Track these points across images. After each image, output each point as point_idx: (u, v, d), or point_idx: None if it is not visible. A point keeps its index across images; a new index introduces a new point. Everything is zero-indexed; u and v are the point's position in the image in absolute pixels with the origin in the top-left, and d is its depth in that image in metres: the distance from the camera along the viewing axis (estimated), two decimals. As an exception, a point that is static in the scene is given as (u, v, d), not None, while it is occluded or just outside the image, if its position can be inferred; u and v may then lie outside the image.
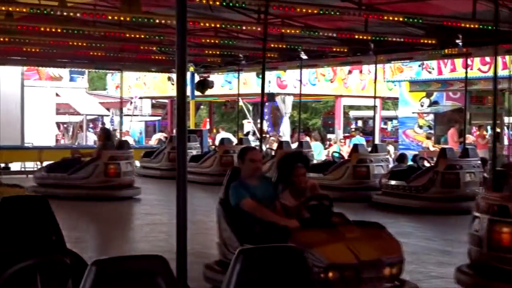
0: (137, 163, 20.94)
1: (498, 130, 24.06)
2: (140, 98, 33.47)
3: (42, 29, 12.99)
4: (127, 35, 14.30)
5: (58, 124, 32.39)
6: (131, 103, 33.68)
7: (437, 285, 6.78)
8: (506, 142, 26.65)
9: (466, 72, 14.14)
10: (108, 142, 14.27)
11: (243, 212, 6.15)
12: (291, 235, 5.60)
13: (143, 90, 32.10)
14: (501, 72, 20.87)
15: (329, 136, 28.43)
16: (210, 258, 8.23)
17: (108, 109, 33.66)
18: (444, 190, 12.31)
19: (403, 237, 9.73)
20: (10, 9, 11.01)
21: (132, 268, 2.94)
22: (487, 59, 20.55)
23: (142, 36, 14.24)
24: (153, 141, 26.65)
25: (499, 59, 20.28)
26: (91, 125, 33.60)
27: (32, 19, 12.50)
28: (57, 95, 28.66)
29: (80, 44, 15.45)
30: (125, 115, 34.90)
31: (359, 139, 22.09)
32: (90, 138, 29.22)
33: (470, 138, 21.49)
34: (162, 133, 27.34)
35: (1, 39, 14.72)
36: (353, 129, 31.20)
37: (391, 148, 21.80)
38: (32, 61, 19.75)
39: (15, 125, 21.04)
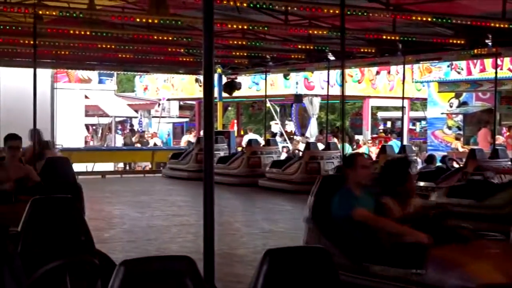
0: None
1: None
2: (168, 100, 33.62)
3: (71, 31, 13.12)
4: (155, 37, 14.38)
5: (87, 126, 32.66)
6: (159, 104, 33.86)
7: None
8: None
9: (496, 72, 14.02)
10: None
11: (353, 225, 5.63)
12: (428, 252, 5.07)
13: (171, 91, 32.24)
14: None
15: (357, 137, 28.32)
16: (236, 258, 8.27)
17: (136, 111, 33.88)
18: (474, 192, 12.18)
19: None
20: (40, 12, 11.12)
21: (160, 268, 2.96)
22: (517, 59, 20.35)
23: (170, 38, 14.31)
24: (182, 143, 26.76)
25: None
26: (119, 127, 33.82)
27: (61, 22, 12.62)
28: (86, 97, 28.92)
29: (108, 46, 15.57)
30: (153, 117, 35.17)
31: (396, 143, 21.77)
32: (120, 140, 29.43)
33: (500, 139, 21.27)
34: (190, 135, 27.43)
35: (31, 42, 14.88)
36: (381, 130, 31.08)
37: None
38: (61, 63, 19.93)
39: (46, 127, 21.25)
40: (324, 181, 6.25)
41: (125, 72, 28.85)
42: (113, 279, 2.87)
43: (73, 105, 26.90)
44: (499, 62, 15.37)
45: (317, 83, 26.63)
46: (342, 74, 6.99)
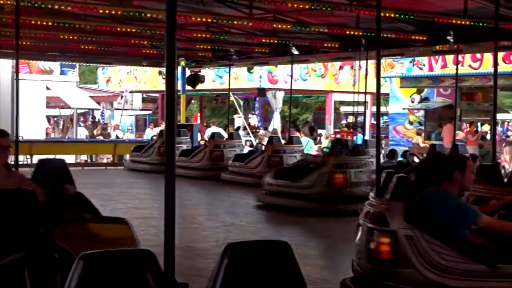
0: (127, 157, 20.97)
1: (487, 126, 24.21)
2: (131, 92, 33.42)
3: (33, 22, 12.92)
4: (118, 29, 14.25)
5: (48, 117, 32.32)
6: (122, 97, 33.63)
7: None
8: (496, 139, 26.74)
9: (457, 69, 14.19)
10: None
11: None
12: None
13: (134, 84, 32.05)
14: (491, 69, 20.97)
15: (320, 131, 28.46)
16: (198, 252, 8.25)
17: (98, 103, 33.61)
18: (434, 186, 12.32)
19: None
20: (1, 2, 10.96)
21: (119, 262, 2.94)
22: (478, 55, 20.63)
23: (133, 30, 14.20)
24: (153, 133, 26.52)
25: (489, 55, 20.38)
26: (81, 119, 33.52)
27: (23, 12, 12.42)
28: (47, 88, 28.59)
29: (71, 37, 15.38)
30: (115, 109, 34.93)
31: (358, 137, 21.81)
32: (81, 132, 29.17)
33: (460, 135, 21.56)
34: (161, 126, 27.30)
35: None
36: (343, 125, 31.25)
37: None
38: (22, 54, 19.65)
39: (7, 118, 20.98)
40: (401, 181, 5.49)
41: (88, 64, 28.60)
42: (72, 273, 2.85)
43: (34, 97, 26.60)
44: (460, 58, 15.55)
45: (281, 77, 26.70)
46: (378, 63, 6.23)
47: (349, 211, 10.51)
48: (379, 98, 6.32)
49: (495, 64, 7.71)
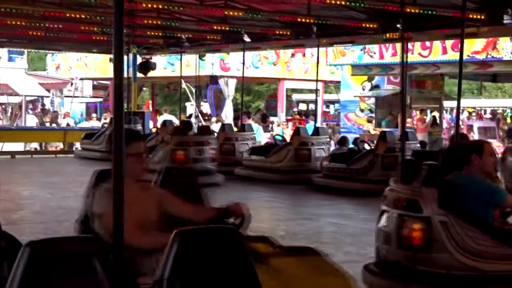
0: (78, 145, 20.74)
1: (437, 114, 24.57)
2: (81, 79, 32.99)
3: (-22, 7, 12.67)
4: (67, 15, 14.04)
5: (-4, 105, 31.78)
6: (72, 84, 33.18)
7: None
8: (445, 125, 27.23)
9: (406, 57, 14.28)
10: None
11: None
12: None
13: (84, 71, 31.66)
14: (441, 57, 21.29)
15: (272, 118, 28.52)
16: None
17: (48, 90, 33.10)
18: (384, 173, 12.43)
19: (343, 219, 9.89)
20: None
21: (67, 249, 2.92)
22: (427, 43, 20.87)
23: (83, 16, 14.01)
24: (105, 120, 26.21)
25: (438, 43, 20.66)
26: (30, 106, 32.99)
27: (-32, -3, 12.18)
28: (-5, 75, 28.08)
29: (19, 23, 15.11)
30: (65, 96, 34.45)
31: (310, 125, 21.84)
32: (30, 120, 28.70)
33: (409, 122, 21.82)
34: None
35: None
36: (295, 112, 31.37)
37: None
38: (-31, 40, 19.29)
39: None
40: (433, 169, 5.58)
41: (37, 50, 28.13)
42: (18, 260, 2.81)
43: (-19, 83, 26.11)
44: (409, 46, 15.70)
45: (233, 65, 26.65)
46: (461, 45, 6.50)
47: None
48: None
49: (461, 53, 7.77)
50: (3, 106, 33.45)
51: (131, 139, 4.02)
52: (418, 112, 23.81)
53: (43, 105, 34.06)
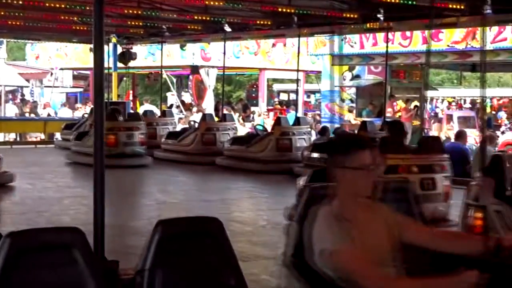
0: (58, 136, 20.62)
1: (417, 104, 24.68)
2: (61, 69, 32.79)
3: (-44, -4, 12.54)
4: (47, 5, 13.93)
5: (-26, 95, 31.47)
6: (52, 74, 32.96)
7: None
8: (425, 115, 27.35)
9: (387, 47, 14.36)
10: None
11: None
12: None
13: (64, 61, 31.45)
14: (421, 47, 21.36)
15: (253, 108, 28.52)
16: (130, 230, 8.22)
17: (28, 80, 32.86)
18: (364, 162, 12.51)
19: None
20: None
21: (48, 240, 2.91)
22: (408, 33, 20.94)
23: (62, 6, 13.91)
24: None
25: (419, 33, 20.74)
26: (10, 97, 32.72)
27: None
28: (-27, 65, 27.82)
29: (-3, 12, 14.99)
30: (45, 87, 34.23)
31: (291, 115, 21.86)
32: (10, 110, 28.46)
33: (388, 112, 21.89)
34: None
35: None
36: (276, 102, 31.38)
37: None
38: None
39: None
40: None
41: (16, 40, 27.87)
42: (-2, 251, 2.80)
43: (-41, 73, 25.85)
44: (390, 36, 15.74)
45: (214, 55, 26.59)
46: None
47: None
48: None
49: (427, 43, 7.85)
50: (-18, 96, 33.17)
51: (353, 146, 3.03)
52: (399, 102, 23.88)
53: (22, 95, 33.81)
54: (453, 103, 34.28)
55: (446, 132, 22.14)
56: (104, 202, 3.19)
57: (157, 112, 20.70)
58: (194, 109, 25.24)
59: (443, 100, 36.68)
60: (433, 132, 23.19)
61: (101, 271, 3.06)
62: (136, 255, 3.39)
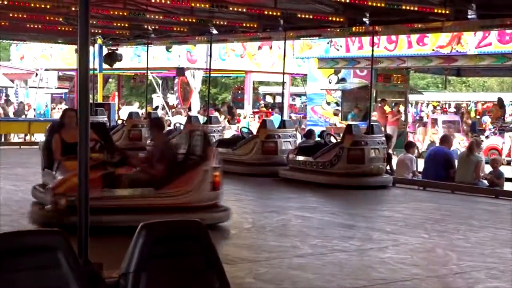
0: (43, 137, 20.50)
1: (402, 107, 24.78)
2: (46, 70, 32.67)
3: None
4: (32, 5, 13.88)
5: (-42, 95, 31.30)
6: (37, 74, 32.83)
7: (341, 258, 6.93)
8: (410, 119, 27.48)
9: (372, 50, 14.41)
10: None
11: None
12: None
13: (49, 61, 31.34)
14: (406, 51, 21.46)
15: (238, 111, 28.53)
16: (114, 232, 8.16)
17: (12, 81, 32.73)
18: (350, 166, 12.54)
19: (309, 212, 9.93)
20: None
21: (31, 243, 2.89)
22: (393, 37, 21.03)
23: (48, 6, 13.87)
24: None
25: (404, 38, 20.83)
26: (-6, 97, 32.60)
27: None
28: (-43, 65, 27.67)
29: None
30: (30, 87, 34.10)
31: (276, 118, 21.90)
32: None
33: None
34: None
35: None
36: (262, 105, 31.41)
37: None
38: None
39: None
40: None
41: (0, 40, 27.75)
42: (-19, 254, 2.78)
43: None
44: (376, 40, 15.81)
45: (200, 57, 26.59)
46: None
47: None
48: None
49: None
50: (-34, 97, 32.99)
51: None
52: (386, 105, 23.95)
53: (7, 95, 33.65)
54: (438, 107, 34.43)
55: (431, 136, 22.24)
56: (88, 204, 3.18)
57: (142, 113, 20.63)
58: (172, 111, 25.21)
59: (428, 104, 36.83)
60: (418, 136, 23.30)
61: (85, 274, 3.05)
62: (121, 257, 3.37)
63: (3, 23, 17.00)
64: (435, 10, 12.16)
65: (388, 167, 13.55)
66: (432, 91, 41.07)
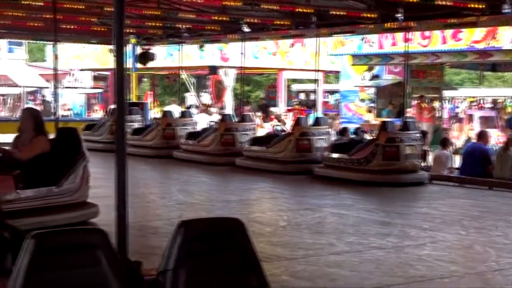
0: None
1: (438, 104, 24.56)
2: (81, 70, 32.98)
3: (-22, -2, 12.64)
4: (65, 6, 14.01)
5: (-4, 96, 31.77)
6: (72, 75, 33.16)
7: (378, 256, 6.90)
8: (446, 115, 27.22)
9: (407, 46, 14.30)
10: None
11: None
12: None
13: (83, 61, 31.62)
14: (440, 47, 21.25)
15: (272, 109, 28.51)
16: (151, 230, 8.23)
17: (48, 81, 33.08)
18: (385, 163, 12.47)
19: (344, 209, 9.89)
20: None
21: (71, 241, 2.91)
22: (427, 33, 20.84)
23: (81, 7, 13.99)
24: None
25: (438, 33, 20.63)
26: (30, 97, 32.96)
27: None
28: (-6, 66, 28.06)
29: (17, 14, 15.08)
30: (65, 88, 34.44)
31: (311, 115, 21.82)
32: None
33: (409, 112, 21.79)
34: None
35: None
36: (296, 102, 31.35)
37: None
38: (-32, 31, 19.24)
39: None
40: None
41: (35, 41, 28.08)
42: (23, 252, 2.81)
43: (-20, 75, 26.07)
44: (409, 36, 15.68)
45: (232, 55, 26.63)
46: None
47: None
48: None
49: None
50: (3, 97, 33.42)
51: None
52: (423, 102, 23.73)
53: (43, 96, 34.05)
54: (474, 103, 34.04)
55: (468, 132, 22.00)
56: (126, 203, 3.20)
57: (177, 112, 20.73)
58: (213, 109, 25.26)
59: (463, 100, 36.42)
60: (454, 133, 23.07)
61: (124, 271, 3.07)
62: (159, 255, 3.38)
63: (37, 24, 17.18)
64: (470, 5, 12.03)
65: (424, 164, 13.45)
66: (467, 87, 40.59)
